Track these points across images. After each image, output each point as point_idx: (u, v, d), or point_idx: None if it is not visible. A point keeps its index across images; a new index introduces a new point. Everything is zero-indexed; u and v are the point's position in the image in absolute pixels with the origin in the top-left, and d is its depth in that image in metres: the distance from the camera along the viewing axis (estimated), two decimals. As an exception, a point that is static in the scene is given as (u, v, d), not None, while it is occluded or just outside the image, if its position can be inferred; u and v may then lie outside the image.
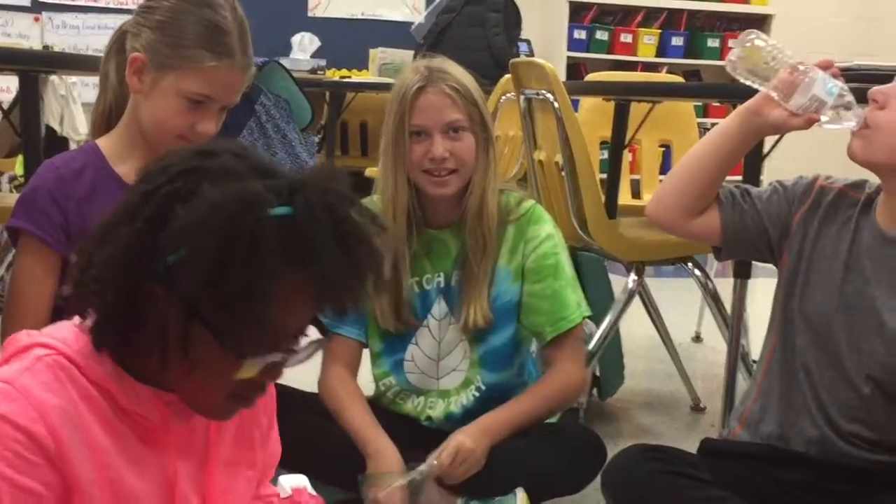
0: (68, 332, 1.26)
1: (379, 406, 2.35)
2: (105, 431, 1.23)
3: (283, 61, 4.20)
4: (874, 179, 1.92)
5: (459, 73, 2.25)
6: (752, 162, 2.83)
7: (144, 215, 1.19)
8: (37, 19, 6.61)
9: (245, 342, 1.18)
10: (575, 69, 6.94)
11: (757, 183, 2.85)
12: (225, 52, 1.94)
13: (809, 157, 4.43)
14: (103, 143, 2.04)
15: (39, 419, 1.17)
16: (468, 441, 2.14)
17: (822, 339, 1.91)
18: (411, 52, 6.33)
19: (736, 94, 3.67)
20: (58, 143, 5.53)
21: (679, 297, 3.82)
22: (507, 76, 3.68)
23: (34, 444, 1.16)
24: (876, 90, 1.79)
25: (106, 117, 2.08)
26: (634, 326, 3.65)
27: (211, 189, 1.17)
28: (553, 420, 2.44)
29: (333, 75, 6.74)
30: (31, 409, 1.17)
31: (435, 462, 2.13)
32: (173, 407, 1.29)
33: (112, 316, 1.21)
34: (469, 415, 2.30)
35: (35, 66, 2.75)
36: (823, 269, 1.93)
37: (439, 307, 2.32)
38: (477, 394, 2.33)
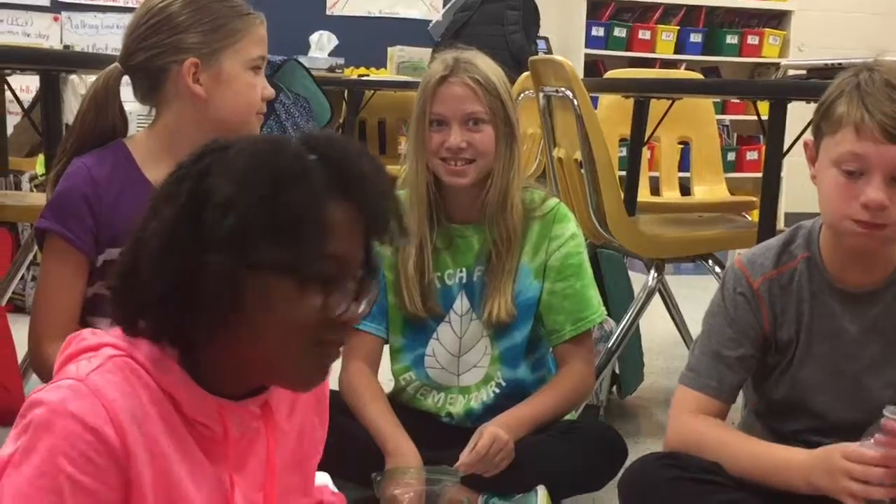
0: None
1: (399, 402, 2.36)
2: (169, 438, 1.22)
3: (302, 60, 4.21)
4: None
5: (486, 66, 2.27)
6: (773, 159, 2.83)
7: (185, 191, 1.20)
8: (56, 19, 6.63)
9: (321, 272, 1.20)
10: (593, 66, 6.92)
11: (778, 181, 2.85)
12: (248, 10, 2.03)
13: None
14: (132, 144, 2.03)
15: (109, 420, 1.16)
16: (503, 433, 2.14)
17: (824, 419, 1.91)
18: (429, 50, 6.33)
19: (755, 90, 3.68)
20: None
21: (699, 295, 3.81)
22: (526, 74, 3.68)
23: (102, 444, 1.15)
24: (875, 203, 1.72)
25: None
26: (654, 324, 3.65)
27: (241, 147, 1.21)
28: (573, 418, 2.45)
29: (351, 73, 6.74)
30: (102, 408, 1.16)
31: (457, 470, 2.14)
32: (234, 418, 1.28)
33: (171, 300, 1.19)
34: (489, 411, 2.30)
35: (56, 66, 2.76)
36: (814, 352, 1.92)
37: (461, 303, 2.33)
38: (497, 390, 2.34)
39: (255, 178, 1.17)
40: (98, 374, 1.18)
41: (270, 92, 2.06)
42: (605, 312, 2.39)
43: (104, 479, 1.16)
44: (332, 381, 2.31)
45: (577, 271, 2.32)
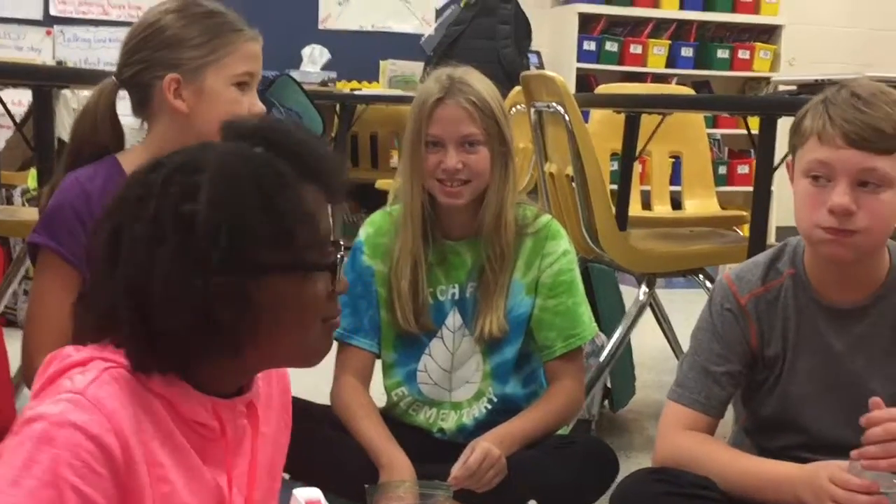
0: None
1: (391, 417, 2.36)
2: (165, 446, 1.23)
3: (294, 74, 4.23)
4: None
5: (481, 86, 2.26)
6: (763, 174, 2.84)
7: (169, 222, 1.20)
8: (49, 33, 6.63)
9: (317, 263, 1.27)
10: (585, 80, 6.94)
11: (768, 195, 2.86)
12: (237, 26, 2.02)
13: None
14: (125, 158, 2.03)
15: (111, 430, 1.16)
16: (495, 449, 2.15)
17: (811, 435, 1.91)
18: (421, 65, 6.34)
19: (745, 106, 3.69)
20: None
21: (690, 309, 3.82)
22: (517, 88, 3.69)
23: (103, 455, 1.16)
24: (840, 207, 1.74)
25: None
26: (645, 338, 3.66)
27: (207, 163, 1.23)
28: (565, 432, 2.45)
29: (344, 87, 6.75)
30: (104, 419, 1.16)
31: (450, 484, 2.14)
32: (228, 415, 1.30)
33: (194, 331, 1.21)
34: (481, 427, 2.30)
35: (48, 81, 2.77)
36: (800, 368, 1.93)
37: (453, 318, 2.33)
38: (489, 406, 2.34)
39: (234, 192, 1.19)
40: (96, 385, 1.19)
41: (260, 108, 2.04)
42: (597, 329, 2.40)
43: (104, 490, 1.16)
44: (325, 396, 2.33)
45: (568, 288, 2.32)
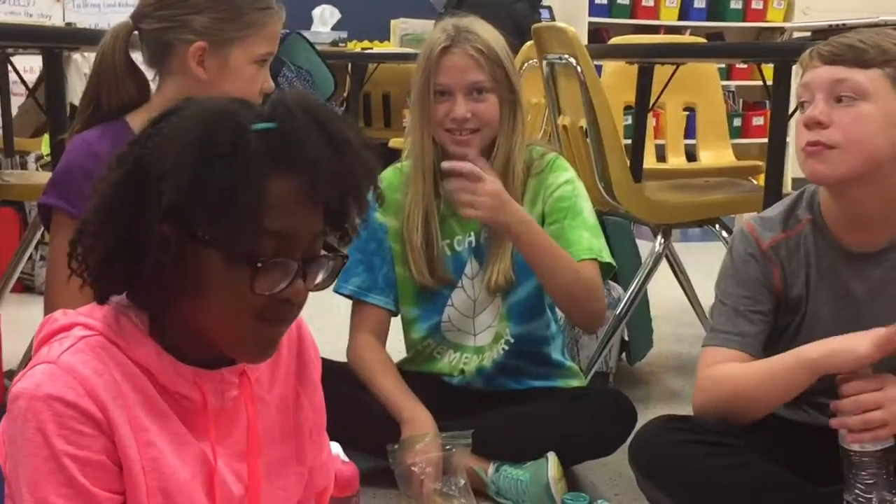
0: (106, 313, 1.26)
1: (408, 370, 2.37)
2: (147, 411, 1.23)
3: (305, 34, 4.21)
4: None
5: (487, 34, 2.26)
6: (778, 121, 2.82)
7: (131, 157, 1.20)
8: (58, -1, 6.62)
9: (250, 250, 1.17)
10: (597, 34, 6.88)
11: (783, 143, 2.84)
12: (269, 3, 2.02)
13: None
14: (133, 119, 2.02)
15: (86, 394, 1.18)
16: (492, 182, 2.14)
17: (832, 380, 1.88)
18: (432, 22, 6.30)
19: (759, 52, 3.66)
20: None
21: (707, 261, 3.81)
22: (529, 43, 3.67)
23: (86, 417, 1.18)
24: (809, 118, 1.79)
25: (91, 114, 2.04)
26: (662, 290, 3.64)
27: (185, 117, 1.20)
28: (583, 385, 2.45)
29: (355, 47, 6.72)
30: (77, 384, 1.18)
31: (468, 441, 2.16)
32: (211, 386, 1.28)
33: (117, 259, 1.20)
34: (499, 369, 2.34)
35: (58, 43, 2.76)
36: (816, 313, 1.93)
37: (471, 266, 2.33)
38: (506, 347, 2.34)
39: (186, 155, 1.15)
40: (69, 353, 1.20)
41: (270, 86, 2.04)
42: (608, 259, 2.30)
43: (98, 447, 1.19)
44: (341, 354, 2.33)
45: (567, 213, 2.28)
